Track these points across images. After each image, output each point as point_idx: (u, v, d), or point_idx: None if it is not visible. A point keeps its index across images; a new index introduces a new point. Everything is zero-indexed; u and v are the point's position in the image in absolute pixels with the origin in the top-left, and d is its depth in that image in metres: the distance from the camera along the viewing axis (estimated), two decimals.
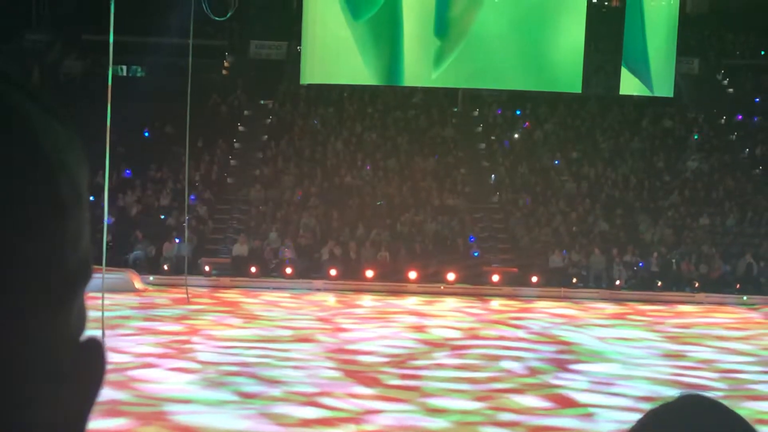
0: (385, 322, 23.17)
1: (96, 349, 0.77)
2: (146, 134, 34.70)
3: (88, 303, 0.77)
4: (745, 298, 28.59)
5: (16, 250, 0.69)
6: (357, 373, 17.11)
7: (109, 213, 30.84)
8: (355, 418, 14.14)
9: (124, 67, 39.61)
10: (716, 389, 16.33)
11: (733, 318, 25.97)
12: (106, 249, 26.49)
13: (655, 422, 1.14)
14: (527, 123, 37.78)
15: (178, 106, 30.40)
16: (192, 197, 30.15)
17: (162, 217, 31.00)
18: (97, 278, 22.28)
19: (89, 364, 0.77)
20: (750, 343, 21.70)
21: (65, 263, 0.72)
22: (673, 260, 30.17)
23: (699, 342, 21.64)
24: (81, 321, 0.76)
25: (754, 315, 26.75)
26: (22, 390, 0.70)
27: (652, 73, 33.47)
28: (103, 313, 15.94)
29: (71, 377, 0.75)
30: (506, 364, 18.34)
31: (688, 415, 1.13)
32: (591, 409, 15.09)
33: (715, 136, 37.57)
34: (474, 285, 28.62)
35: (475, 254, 30.38)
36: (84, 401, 0.77)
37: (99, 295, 17.84)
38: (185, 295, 24.66)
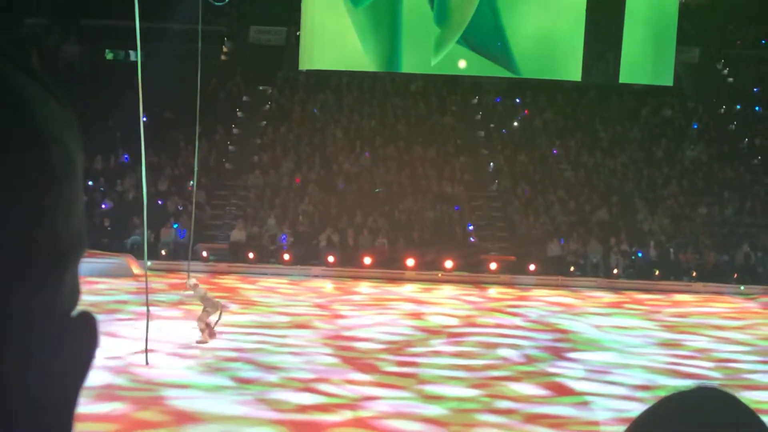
0: (382, 309, 23.19)
1: (88, 323, 0.76)
2: (144, 119, 34.62)
3: (90, 287, 0.75)
4: (742, 287, 28.63)
5: (2, 219, 0.68)
6: (354, 359, 17.13)
7: (106, 198, 30.89)
8: (352, 404, 14.16)
9: (123, 52, 39.54)
10: (712, 378, 16.36)
11: (730, 308, 26.01)
12: (105, 233, 26.52)
13: (668, 409, 1.13)
14: (526, 111, 37.74)
15: (176, 91, 30.38)
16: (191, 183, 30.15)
17: (159, 202, 30.99)
18: (100, 263, 22.30)
19: (81, 338, 0.76)
20: (747, 333, 21.73)
21: (56, 235, 0.71)
22: (671, 249, 30.19)
23: (696, 331, 21.67)
24: (73, 295, 0.75)
25: (752, 305, 26.78)
26: (10, 364, 0.69)
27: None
28: (147, 296, 16.01)
29: (62, 351, 0.74)
30: (503, 352, 18.36)
31: (702, 406, 1.12)
32: (587, 398, 15.11)
33: (714, 125, 37.55)
34: (471, 273, 28.64)
35: (471, 240, 30.38)
36: (75, 376, 0.75)
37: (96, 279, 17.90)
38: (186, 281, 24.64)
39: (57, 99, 0.74)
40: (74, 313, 0.76)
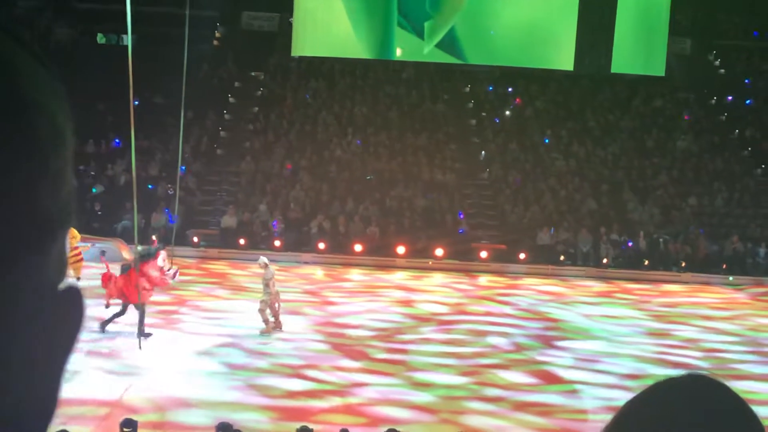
0: (372, 296, 23.22)
1: (74, 297, 0.76)
2: (136, 103, 34.51)
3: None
4: (731, 278, 28.73)
5: None
6: (344, 346, 17.17)
7: (97, 182, 30.82)
8: (342, 390, 14.20)
9: (115, 36, 39.36)
10: (700, 368, 16.44)
11: (719, 298, 26.11)
12: (95, 217, 26.48)
13: (658, 395, 1.15)
14: (518, 100, 37.74)
15: (167, 76, 30.26)
16: (182, 168, 30.06)
17: (150, 187, 30.93)
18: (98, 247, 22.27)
19: (67, 312, 0.75)
20: (735, 323, 21.84)
21: (42, 206, 0.70)
22: (661, 239, 30.28)
23: (684, 321, 21.76)
24: (60, 268, 0.75)
25: (740, 295, 26.90)
26: None
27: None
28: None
29: (48, 325, 0.73)
30: (493, 340, 18.43)
31: (692, 393, 1.14)
32: (576, 386, 15.18)
33: (705, 116, 37.61)
34: (462, 261, 28.68)
35: (461, 231, 30.40)
36: (61, 350, 0.75)
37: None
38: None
39: (46, 69, 0.74)
40: (61, 286, 0.75)
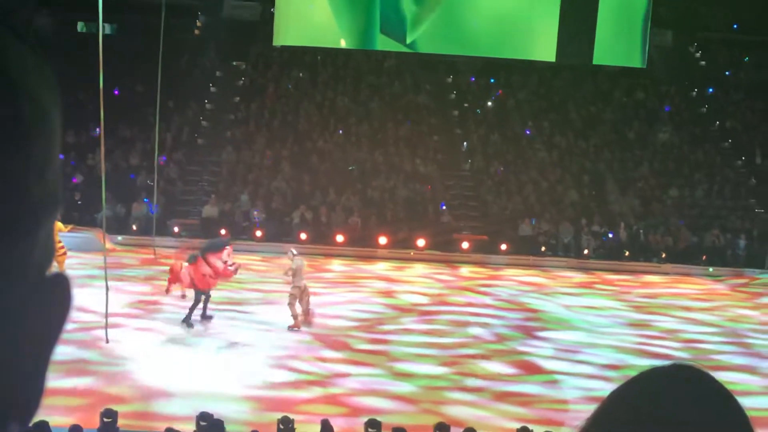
0: (354, 286, 23.21)
1: (62, 283, 0.75)
2: (116, 93, 34.36)
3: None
4: (711, 269, 28.90)
5: None
6: (325, 336, 17.16)
7: (77, 172, 30.65)
8: (323, 381, 14.20)
9: (95, 24, 39.12)
10: (680, 359, 16.52)
11: (699, 289, 26.26)
12: (75, 207, 26.39)
13: (643, 385, 1.15)
14: (500, 91, 37.77)
15: (148, 65, 30.11)
16: (163, 158, 29.96)
17: (131, 176, 30.80)
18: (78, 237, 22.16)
19: (55, 298, 0.74)
20: (714, 314, 21.97)
21: (28, 191, 0.69)
22: (641, 231, 30.41)
23: (664, 312, 21.87)
24: (47, 254, 0.73)
25: (720, 286, 27.06)
26: None
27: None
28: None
29: (35, 311, 0.72)
30: (474, 331, 18.46)
31: (677, 382, 1.14)
32: (556, 376, 15.24)
33: (686, 108, 37.76)
34: (443, 252, 28.70)
35: (442, 206, 30.39)
36: (49, 335, 0.74)
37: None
38: (153, 255, 24.56)
39: (33, 51, 0.72)
40: (48, 272, 0.74)
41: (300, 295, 17.46)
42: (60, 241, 21.01)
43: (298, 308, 17.49)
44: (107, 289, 15.69)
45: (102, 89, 16.13)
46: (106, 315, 15.60)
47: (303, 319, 17.54)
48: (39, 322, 0.73)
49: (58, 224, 20.77)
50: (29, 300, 0.71)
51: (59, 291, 0.75)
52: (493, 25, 36.51)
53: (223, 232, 28.44)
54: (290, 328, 17.31)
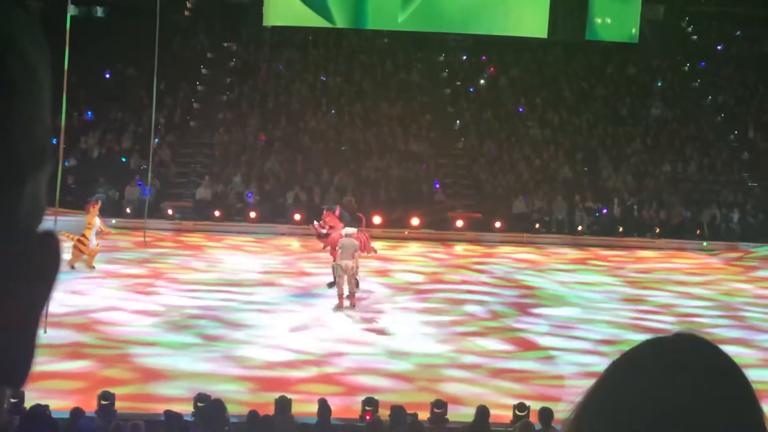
0: None
1: (50, 242, 0.74)
2: (107, 76, 34.24)
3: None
4: (704, 243, 28.95)
5: None
6: (321, 316, 17.19)
7: (70, 155, 30.57)
8: (319, 360, 14.24)
9: (85, 8, 38.91)
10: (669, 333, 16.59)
11: (693, 263, 26.33)
12: (69, 190, 26.29)
13: (646, 354, 1.15)
14: (492, 69, 37.69)
15: (139, 47, 29.99)
16: (155, 140, 29.86)
17: (123, 159, 30.75)
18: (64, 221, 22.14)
19: (42, 257, 0.73)
20: (709, 288, 22.04)
21: (14, 148, 0.68)
22: (635, 206, 30.45)
23: (659, 287, 21.93)
24: (36, 213, 0.72)
25: (713, 260, 27.13)
26: None
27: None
28: None
29: (22, 270, 0.71)
30: (469, 308, 18.51)
31: (681, 352, 1.14)
32: (552, 352, 15.30)
33: (678, 83, 37.74)
34: (438, 230, 28.72)
35: (436, 185, 30.39)
36: (37, 295, 0.73)
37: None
38: (143, 239, 24.47)
39: (23, 9, 0.71)
40: (36, 232, 0.73)
41: (343, 275, 17.51)
42: (91, 234, 20.21)
43: (346, 289, 17.61)
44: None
45: (66, 72, 15.91)
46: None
47: (348, 300, 17.65)
48: (26, 281, 0.72)
49: (95, 219, 20.31)
50: (16, 258, 0.70)
51: (47, 250, 0.73)
52: (485, 2, 36.39)
53: (216, 214, 28.45)
54: (329, 286, 18.36)
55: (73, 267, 19.62)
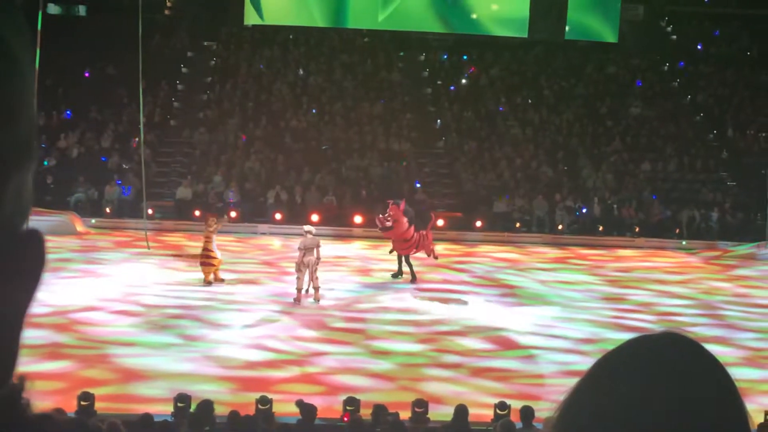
0: (330, 266, 23.15)
1: (35, 240, 0.72)
2: (87, 75, 34.07)
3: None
4: (684, 242, 29.09)
5: None
6: (302, 316, 17.16)
7: (49, 155, 30.40)
8: (300, 360, 14.21)
9: (64, 6, 38.70)
10: (655, 332, 16.65)
11: (672, 262, 26.45)
12: (48, 190, 26.19)
13: (633, 351, 1.15)
14: (473, 68, 37.74)
15: (119, 46, 29.87)
16: (135, 140, 29.76)
17: (103, 159, 30.61)
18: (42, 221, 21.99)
19: (27, 254, 0.71)
20: (688, 287, 22.13)
21: None
22: (614, 205, 30.56)
23: (639, 285, 22.01)
24: (19, 209, 0.70)
25: (693, 259, 27.26)
26: None
27: None
28: None
29: (7, 267, 0.69)
30: (450, 307, 18.52)
31: (668, 350, 1.14)
32: (532, 351, 15.33)
33: (658, 82, 37.90)
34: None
35: (417, 185, 30.38)
36: (22, 293, 0.71)
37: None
38: (145, 242, 24.10)
39: None
40: (21, 229, 0.71)
41: (303, 272, 17.68)
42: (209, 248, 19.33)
43: (306, 284, 17.79)
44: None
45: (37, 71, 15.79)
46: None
47: (313, 297, 17.80)
48: (10, 281, 0.70)
49: (214, 223, 19.43)
50: (1, 256, 0.68)
51: (32, 247, 0.72)
52: (465, 1, 36.48)
53: (197, 213, 28.33)
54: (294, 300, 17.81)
55: (210, 283, 19.21)
